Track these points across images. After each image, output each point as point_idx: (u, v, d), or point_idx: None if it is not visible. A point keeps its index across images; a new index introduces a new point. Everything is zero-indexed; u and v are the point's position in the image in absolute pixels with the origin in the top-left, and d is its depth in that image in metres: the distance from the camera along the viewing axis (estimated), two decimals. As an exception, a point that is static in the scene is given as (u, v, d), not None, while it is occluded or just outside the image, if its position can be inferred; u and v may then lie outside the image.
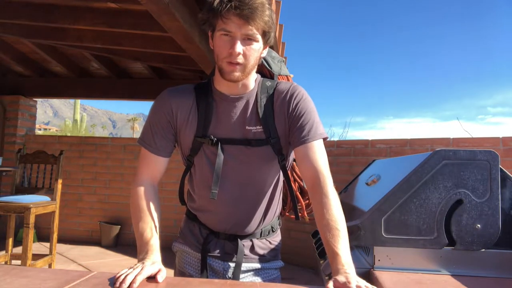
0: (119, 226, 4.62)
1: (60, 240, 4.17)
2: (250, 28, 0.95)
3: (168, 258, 1.22)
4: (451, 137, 3.44)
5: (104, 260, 4.01)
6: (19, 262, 2.87)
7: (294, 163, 1.27)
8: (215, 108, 1.08)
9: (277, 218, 1.23)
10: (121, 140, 5.16)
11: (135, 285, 0.79)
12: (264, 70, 1.20)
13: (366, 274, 1.09)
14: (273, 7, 2.83)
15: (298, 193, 1.28)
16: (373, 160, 2.02)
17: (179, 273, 1.20)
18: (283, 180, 1.19)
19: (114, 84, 5.11)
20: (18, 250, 3.00)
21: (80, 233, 4.83)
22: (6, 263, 3.05)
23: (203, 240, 1.15)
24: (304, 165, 1.02)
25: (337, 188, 1.01)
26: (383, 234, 1.11)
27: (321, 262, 1.24)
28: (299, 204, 1.28)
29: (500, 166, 1.11)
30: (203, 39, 2.89)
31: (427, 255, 1.09)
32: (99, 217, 4.78)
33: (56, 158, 3.27)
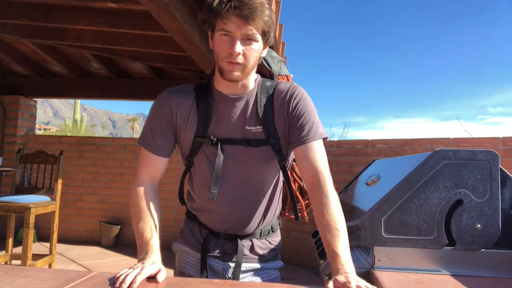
0: (119, 226, 4.62)
1: (60, 240, 4.17)
2: (249, 28, 0.95)
3: (168, 258, 1.22)
4: (451, 137, 3.44)
5: (104, 260, 4.01)
6: (19, 262, 2.87)
7: (294, 163, 1.27)
8: (215, 108, 1.08)
9: (277, 218, 1.23)
10: (121, 140, 5.16)
11: (135, 285, 0.78)
12: (264, 70, 1.20)
13: (366, 274, 1.09)
14: (273, 7, 2.83)
15: (298, 193, 1.28)
16: (373, 160, 2.02)
17: (179, 273, 1.20)
18: (283, 180, 1.19)
19: (114, 84, 5.11)
20: (18, 250, 3.00)
21: (80, 233, 4.83)
22: (6, 263, 3.05)
23: (203, 240, 1.15)
24: (304, 165, 1.02)
25: (337, 188, 1.01)
26: (383, 234, 1.11)
27: (321, 262, 1.24)
28: (299, 204, 1.28)
29: (500, 166, 1.11)
30: (203, 39, 2.89)
31: (427, 255, 1.09)
32: (99, 217, 4.78)
33: (56, 158, 3.27)
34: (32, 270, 0.89)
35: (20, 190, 3.29)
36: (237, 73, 0.99)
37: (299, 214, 1.22)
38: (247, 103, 1.08)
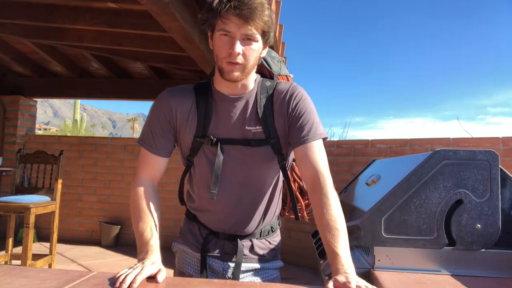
0: (119, 226, 4.62)
1: (60, 240, 4.17)
2: (249, 28, 0.95)
3: (168, 258, 1.22)
4: (451, 137, 3.44)
5: (104, 260, 4.01)
6: (19, 262, 2.87)
7: (294, 163, 1.27)
8: (214, 108, 1.08)
9: (277, 218, 1.23)
10: (121, 140, 5.16)
11: (135, 285, 0.78)
12: (263, 70, 1.20)
13: (366, 274, 1.09)
14: (273, 7, 2.83)
15: (297, 193, 1.28)
16: (373, 160, 2.02)
17: (179, 273, 1.20)
18: (283, 180, 1.19)
19: (114, 84, 5.11)
20: (18, 250, 3.00)
21: (80, 233, 4.83)
22: (6, 263, 3.05)
23: (202, 240, 1.15)
24: (304, 165, 1.02)
25: (337, 188, 1.01)
26: (383, 234, 1.11)
27: (321, 262, 1.24)
28: (299, 204, 1.28)
29: (500, 166, 1.11)
30: (203, 39, 2.89)
31: (427, 255, 1.09)
32: (99, 217, 4.78)
33: (56, 158, 3.27)
34: (32, 270, 0.89)
35: (20, 190, 3.29)
36: (236, 74, 0.99)
37: (299, 214, 1.22)
38: (247, 103, 1.08)
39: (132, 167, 4.80)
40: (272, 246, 1.20)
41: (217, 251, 1.14)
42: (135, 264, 0.87)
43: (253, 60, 1.00)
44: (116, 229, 4.60)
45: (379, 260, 1.11)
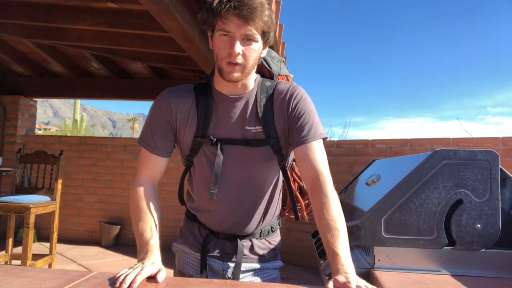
0: (119, 226, 4.62)
1: (60, 240, 4.17)
2: (249, 28, 0.95)
3: (168, 258, 1.22)
4: (451, 137, 3.44)
5: (104, 260, 4.01)
6: (19, 262, 2.87)
7: (294, 163, 1.27)
8: (214, 108, 1.08)
9: (277, 218, 1.23)
10: (121, 140, 5.16)
11: (135, 285, 0.78)
12: (263, 70, 1.20)
13: (366, 274, 1.09)
14: (273, 7, 2.83)
15: (297, 193, 1.28)
16: (373, 160, 2.02)
17: (179, 273, 1.20)
18: (283, 180, 1.19)
19: (114, 84, 5.11)
20: (18, 250, 3.00)
21: (80, 233, 4.83)
22: (6, 263, 3.05)
23: (202, 240, 1.15)
24: (304, 165, 1.02)
25: (337, 188, 1.01)
26: (383, 234, 1.11)
27: (321, 262, 1.24)
28: (299, 204, 1.28)
29: (500, 166, 1.11)
30: (203, 39, 2.89)
31: (427, 255, 1.09)
32: (99, 217, 4.78)
33: (56, 158, 3.27)
34: (32, 270, 0.89)
35: (20, 190, 3.29)
36: (236, 74, 0.99)
37: (299, 214, 1.22)
38: (246, 103, 1.08)
39: (132, 167, 4.80)
40: (272, 246, 1.20)
41: (217, 251, 1.14)
42: (135, 264, 0.87)
43: (253, 60, 1.00)
44: (116, 229, 4.60)
45: (379, 260, 1.11)
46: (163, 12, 2.34)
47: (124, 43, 3.61)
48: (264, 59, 1.18)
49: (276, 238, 1.22)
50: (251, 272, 1.15)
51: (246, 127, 1.06)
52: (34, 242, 4.19)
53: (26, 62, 4.70)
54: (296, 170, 1.28)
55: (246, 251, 1.14)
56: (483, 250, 1.09)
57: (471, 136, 3.46)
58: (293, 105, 1.06)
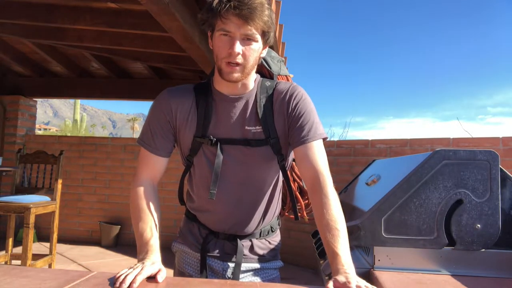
0: (119, 226, 4.62)
1: (60, 240, 4.17)
2: (249, 28, 0.95)
3: (168, 258, 1.22)
4: (451, 137, 3.44)
5: (104, 260, 4.01)
6: (19, 262, 2.87)
7: (294, 163, 1.27)
8: (214, 108, 1.08)
9: (277, 218, 1.23)
10: (121, 140, 5.16)
11: (135, 285, 0.78)
12: (263, 70, 1.20)
13: (366, 274, 1.09)
14: (273, 7, 2.83)
15: (297, 193, 1.28)
16: (373, 160, 2.02)
17: (179, 273, 1.20)
18: (283, 180, 1.19)
19: (114, 84, 5.11)
20: (18, 250, 3.00)
21: (80, 233, 4.83)
22: (6, 263, 3.05)
23: (202, 240, 1.15)
24: (304, 165, 1.02)
25: (337, 188, 1.01)
26: (383, 234, 1.11)
27: (321, 262, 1.24)
28: (299, 204, 1.28)
29: (500, 166, 1.11)
30: (203, 39, 2.89)
31: (427, 255, 1.09)
32: (99, 217, 4.78)
33: (56, 158, 3.27)
34: (32, 270, 0.89)
35: (20, 190, 3.29)
36: (236, 75, 0.99)
37: (299, 214, 1.22)
38: (246, 103, 1.08)
39: (132, 167, 4.80)
40: (272, 246, 1.20)
41: (217, 251, 1.14)
42: (135, 264, 0.87)
43: (252, 60, 1.00)
44: (116, 229, 4.60)
45: (379, 260, 1.11)
46: (163, 12, 2.34)
47: (124, 43, 3.61)
48: (264, 59, 1.18)
49: (276, 238, 1.22)
50: (251, 272, 1.15)
51: (246, 127, 1.06)
52: (34, 242, 4.19)
53: (26, 62, 4.70)
54: (296, 170, 1.28)
55: (246, 251, 1.14)
56: (483, 250, 1.09)
57: (471, 136, 3.47)
58: (293, 105, 1.06)
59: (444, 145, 3.44)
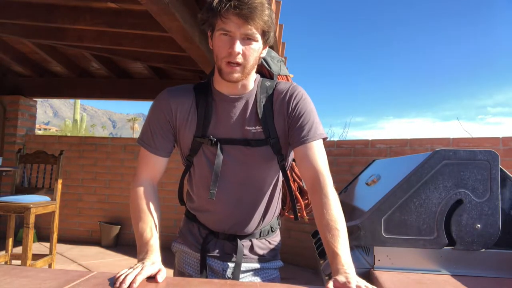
0: (119, 226, 4.62)
1: (60, 240, 4.17)
2: (249, 27, 0.95)
3: (168, 258, 1.22)
4: (451, 137, 3.44)
5: (104, 260, 4.01)
6: (19, 262, 2.87)
7: (294, 163, 1.27)
8: (214, 108, 1.08)
9: (277, 218, 1.23)
10: (121, 140, 5.16)
11: (135, 285, 0.78)
12: (263, 70, 1.20)
13: (366, 274, 1.09)
14: (273, 7, 2.83)
15: (297, 193, 1.28)
16: (373, 160, 2.02)
17: (179, 273, 1.20)
18: (283, 180, 1.19)
19: (114, 84, 5.11)
20: (18, 250, 3.00)
21: (80, 233, 4.83)
22: (6, 263, 3.05)
23: (202, 240, 1.15)
24: (304, 165, 1.02)
25: (337, 188, 1.01)
26: (383, 234, 1.11)
27: (321, 262, 1.24)
28: (298, 204, 1.28)
29: (500, 166, 1.11)
30: (203, 39, 2.89)
31: (427, 255, 1.09)
32: (99, 217, 4.78)
33: (56, 158, 3.27)
34: (32, 270, 0.89)
35: (20, 190, 3.29)
36: (236, 75, 0.99)
37: (299, 214, 1.22)
38: (246, 103, 1.08)
39: (132, 167, 4.80)
40: (272, 246, 1.20)
41: (217, 251, 1.14)
42: (135, 264, 0.87)
43: (253, 60, 1.00)
44: (116, 229, 4.60)
45: (379, 260, 1.11)
46: (163, 12, 2.34)
47: (124, 43, 3.61)
48: (264, 59, 1.18)
49: (276, 238, 1.22)
50: (251, 272, 1.15)
51: (246, 127, 1.06)
52: (34, 242, 4.19)
53: (26, 62, 4.70)
54: (296, 170, 1.28)
55: (246, 251, 1.14)
56: (483, 250, 1.09)
57: (471, 136, 3.47)
58: (293, 105, 1.06)
59: (444, 145, 3.44)
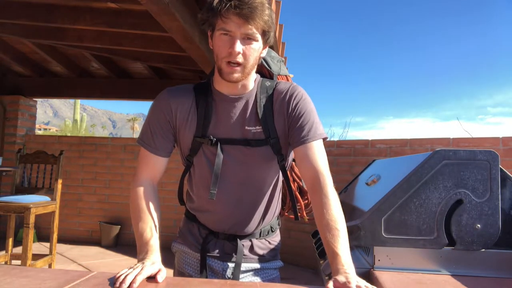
0: (119, 226, 4.62)
1: (60, 240, 4.17)
2: (249, 27, 0.95)
3: (168, 258, 1.22)
4: (451, 137, 3.44)
5: (104, 260, 4.01)
6: (19, 262, 2.87)
7: (294, 163, 1.27)
8: (214, 108, 1.08)
9: (277, 218, 1.23)
10: (121, 140, 5.16)
11: (135, 285, 0.78)
12: (263, 70, 1.20)
13: (366, 274, 1.09)
14: (273, 7, 2.83)
15: (297, 193, 1.28)
16: (373, 160, 2.02)
17: (178, 273, 1.20)
18: (283, 180, 1.19)
19: (114, 84, 5.11)
20: (18, 250, 3.00)
21: (80, 233, 4.83)
22: (6, 263, 3.05)
23: (202, 240, 1.15)
24: (304, 165, 1.02)
25: (337, 188, 1.01)
26: (383, 234, 1.11)
27: (321, 262, 1.24)
28: (298, 204, 1.28)
29: (500, 166, 1.11)
30: (203, 39, 2.89)
31: (427, 255, 1.09)
32: (99, 217, 4.78)
33: (56, 158, 3.27)
34: (32, 270, 0.89)
35: (20, 190, 3.29)
36: (236, 75, 0.99)
37: (299, 214, 1.22)
38: (246, 103, 1.08)
39: (132, 167, 4.80)
40: (272, 246, 1.20)
41: (217, 251, 1.14)
42: (135, 264, 0.87)
43: (253, 60, 1.00)
44: (116, 229, 4.60)
45: (379, 260, 1.11)
46: (163, 12, 2.34)
47: (124, 43, 3.61)
48: (264, 59, 1.18)
49: (276, 238, 1.22)
50: (251, 272, 1.15)
51: (246, 127, 1.06)
52: (34, 242, 4.19)
53: (26, 62, 4.70)
54: (296, 170, 1.28)
55: (246, 251, 1.14)
56: (483, 250, 1.09)
57: (471, 136, 3.47)
58: (293, 105, 1.06)
59: (444, 145, 3.44)
